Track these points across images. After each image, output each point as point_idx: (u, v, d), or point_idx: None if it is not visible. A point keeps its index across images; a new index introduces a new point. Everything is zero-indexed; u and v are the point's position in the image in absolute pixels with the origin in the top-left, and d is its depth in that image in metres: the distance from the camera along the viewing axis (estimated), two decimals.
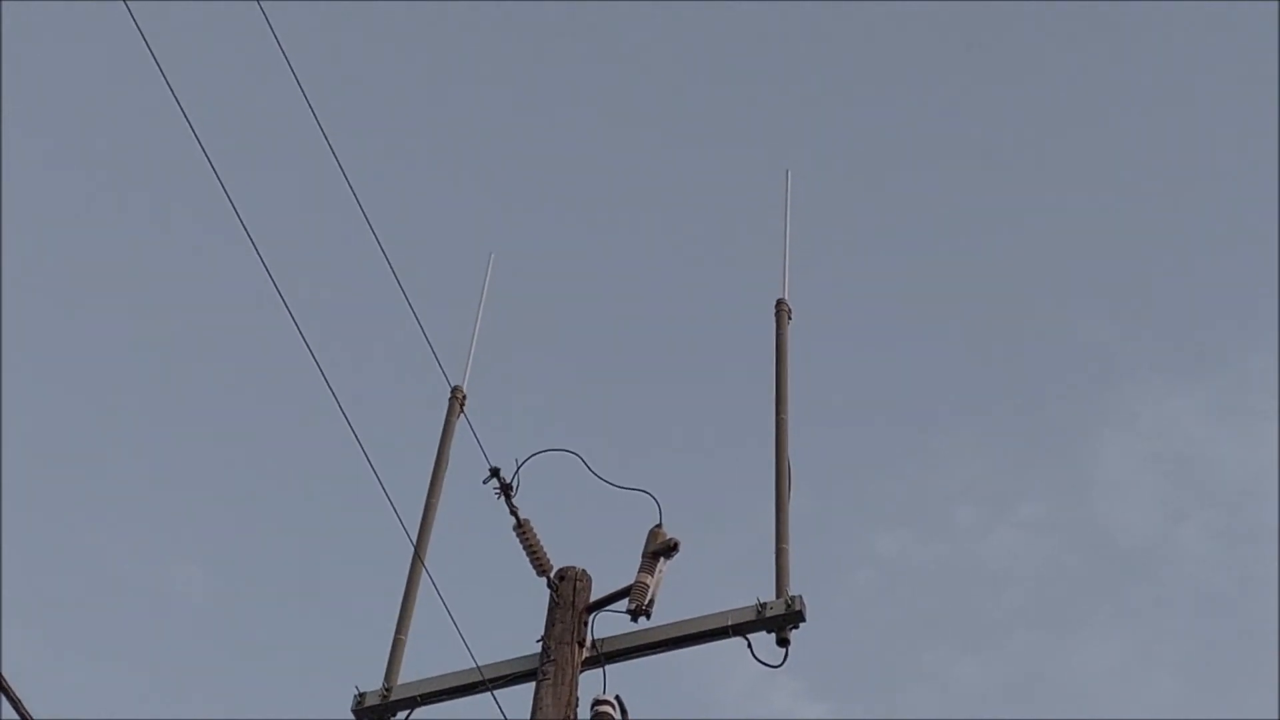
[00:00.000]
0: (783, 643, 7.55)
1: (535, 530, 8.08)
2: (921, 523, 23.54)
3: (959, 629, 22.64)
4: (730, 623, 7.66)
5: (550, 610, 7.92)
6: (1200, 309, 24.75)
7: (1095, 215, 24.25)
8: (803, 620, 7.55)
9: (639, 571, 7.98)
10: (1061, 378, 24.09)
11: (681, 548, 8.08)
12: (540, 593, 8.02)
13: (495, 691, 7.66)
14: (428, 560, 8.34)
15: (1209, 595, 23.77)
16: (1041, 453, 24.28)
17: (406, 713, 8.00)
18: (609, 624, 7.91)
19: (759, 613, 7.60)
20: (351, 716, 8.04)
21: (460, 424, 9.00)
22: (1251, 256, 24.01)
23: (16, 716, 5.45)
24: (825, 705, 20.89)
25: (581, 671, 7.72)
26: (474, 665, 7.74)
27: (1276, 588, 20.33)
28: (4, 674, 5.31)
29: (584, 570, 8.09)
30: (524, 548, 8.07)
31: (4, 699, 5.38)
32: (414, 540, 8.33)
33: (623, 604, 7.89)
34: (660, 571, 7.99)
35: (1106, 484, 24.13)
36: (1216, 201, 24.73)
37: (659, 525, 8.16)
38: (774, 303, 9.01)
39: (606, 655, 7.81)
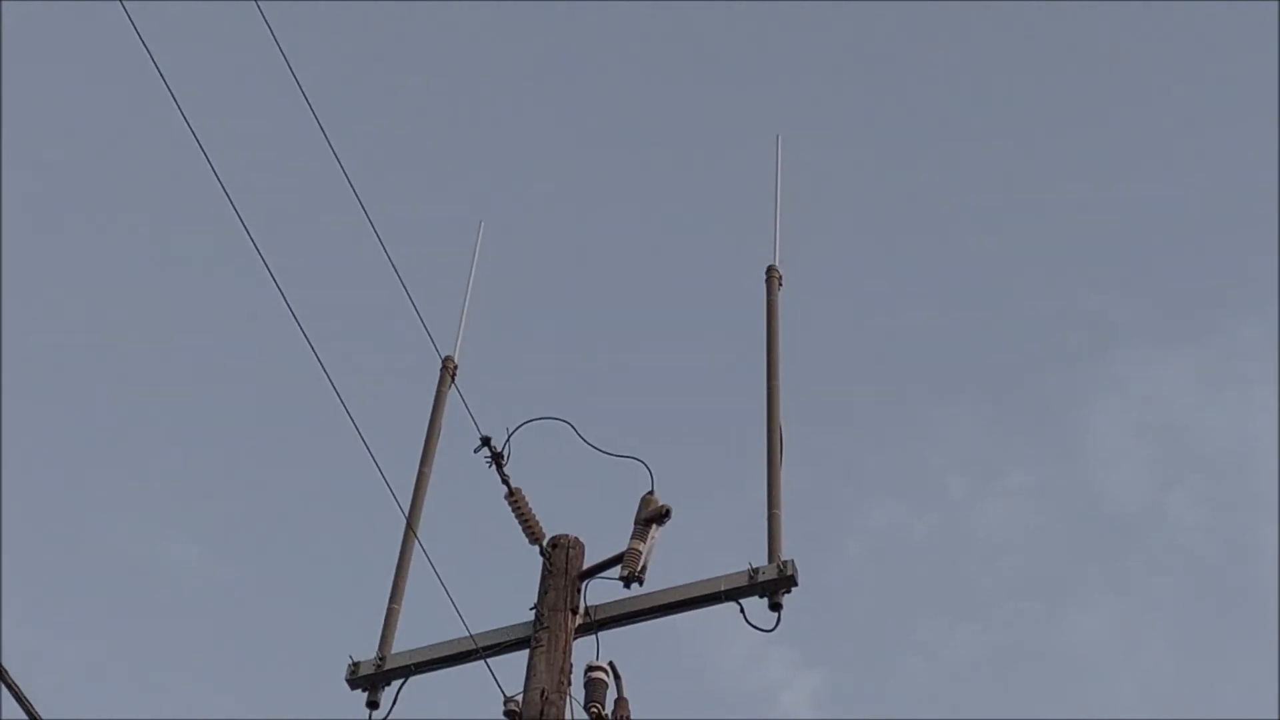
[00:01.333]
0: (775, 607, 7.55)
1: (527, 499, 8.08)
2: (913, 493, 23.57)
3: (951, 598, 22.69)
4: (723, 588, 7.65)
5: (543, 578, 7.92)
6: (1192, 276, 24.76)
7: (1087, 183, 24.25)
8: (795, 584, 7.55)
9: (631, 538, 7.98)
10: (1052, 345, 24.11)
11: (674, 514, 8.08)
12: (533, 561, 8.03)
13: (489, 660, 7.67)
14: (420, 530, 8.34)
15: (1200, 562, 23.83)
16: (1033, 421, 24.31)
17: (400, 682, 8.01)
18: (602, 591, 7.93)
19: (751, 577, 7.60)
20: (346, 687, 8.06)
21: (451, 394, 8.99)
22: (1244, 223, 24.03)
23: (24, 715, 5.43)
24: (819, 674, 20.96)
25: (575, 639, 7.72)
26: (467, 634, 7.74)
27: (1270, 554, 20.36)
28: (9, 673, 5.30)
29: (576, 538, 8.09)
30: (516, 516, 8.07)
31: (11, 697, 5.37)
32: (406, 511, 8.34)
33: (615, 571, 7.89)
34: (653, 538, 7.99)
35: (1098, 452, 24.16)
36: (1209, 169, 24.73)
37: (651, 492, 8.15)
38: (765, 269, 9.01)
39: (600, 622, 7.81)
